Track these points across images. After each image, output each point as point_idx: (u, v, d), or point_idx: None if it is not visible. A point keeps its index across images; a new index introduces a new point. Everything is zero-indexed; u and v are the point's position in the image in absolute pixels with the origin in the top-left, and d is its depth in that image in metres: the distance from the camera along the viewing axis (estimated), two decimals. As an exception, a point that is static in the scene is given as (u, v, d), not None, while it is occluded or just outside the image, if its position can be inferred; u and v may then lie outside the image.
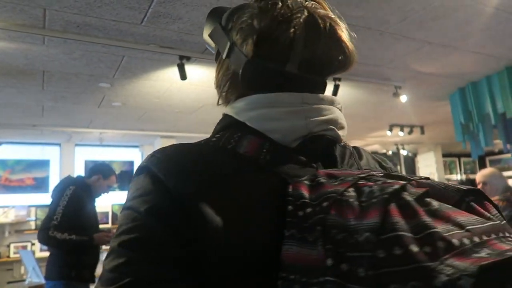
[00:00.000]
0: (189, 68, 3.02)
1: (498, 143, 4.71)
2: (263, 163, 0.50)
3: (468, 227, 0.36)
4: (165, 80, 3.52)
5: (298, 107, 0.54)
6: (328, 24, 0.56)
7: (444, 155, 9.02)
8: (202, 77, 3.49)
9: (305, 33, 0.55)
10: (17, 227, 5.68)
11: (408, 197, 0.38)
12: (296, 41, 0.55)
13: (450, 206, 0.38)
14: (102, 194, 3.13)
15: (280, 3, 0.56)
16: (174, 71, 3.14)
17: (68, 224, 2.71)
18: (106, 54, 2.86)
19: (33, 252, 5.20)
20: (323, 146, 0.55)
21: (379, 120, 5.74)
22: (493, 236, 0.36)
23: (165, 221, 0.44)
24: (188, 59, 2.91)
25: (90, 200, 2.98)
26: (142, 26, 2.47)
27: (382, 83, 3.88)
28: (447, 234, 0.34)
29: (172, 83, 3.59)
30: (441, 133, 6.99)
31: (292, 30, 0.54)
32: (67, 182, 2.93)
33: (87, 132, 5.42)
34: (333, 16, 0.58)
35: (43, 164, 6.10)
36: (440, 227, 0.35)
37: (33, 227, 5.68)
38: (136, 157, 6.82)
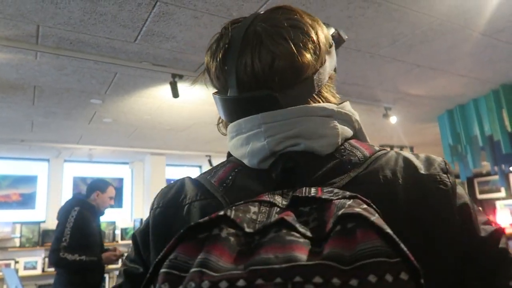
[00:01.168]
0: (181, 86, 3.03)
1: (486, 165, 4.77)
2: (220, 190, 0.56)
3: (250, 268, 0.35)
4: (157, 98, 3.53)
5: (256, 129, 0.55)
6: (258, 38, 0.56)
7: (433, 176, 9.08)
8: (194, 96, 3.50)
9: (231, 57, 0.56)
10: (1, 244, 5.54)
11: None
12: (225, 68, 0.57)
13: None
14: (107, 209, 3.25)
15: (217, 35, 0.60)
16: (166, 89, 3.15)
17: (77, 244, 2.77)
18: (99, 70, 2.86)
19: (17, 271, 5.07)
20: (284, 164, 0.54)
21: (370, 140, 5.78)
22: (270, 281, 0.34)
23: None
24: (180, 77, 2.92)
25: (94, 219, 3.08)
26: (135, 44, 2.49)
27: (373, 104, 3.94)
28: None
29: (164, 101, 3.59)
30: (430, 154, 7.05)
31: (217, 58, 0.58)
32: (72, 204, 3.05)
33: (77, 148, 5.36)
34: (270, 27, 0.56)
35: (30, 180, 6.00)
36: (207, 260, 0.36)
37: (17, 244, 5.54)
38: (125, 174, 6.75)
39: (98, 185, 3.20)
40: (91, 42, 2.44)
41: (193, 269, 0.36)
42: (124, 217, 6.39)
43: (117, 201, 6.52)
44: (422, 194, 0.51)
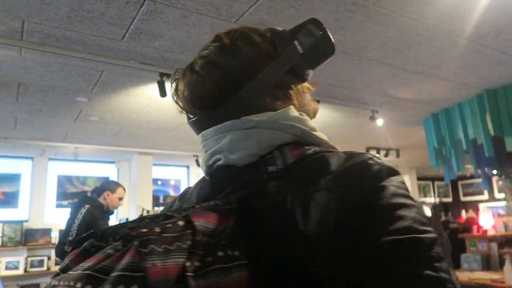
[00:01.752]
0: (169, 86, 3.00)
1: (470, 168, 4.85)
2: (184, 201, 0.65)
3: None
4: (144, 97, 3.50)
5: (202, 145, 0.65)
6: (193, 67, 0.65)
7: (418, 178, 9.21)
8: (178, 97, 3.48)
9: (178, 83, 0.69)
10: (-19, 244, 5.43)
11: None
12: (177, 91, 0.69)
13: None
14: (116, 209, 3.43)
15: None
16: (154, 87, 3.13)
17: None
18: (85, 68, 2.83)
19: (-2, 270, 4.98)
20: (210, 175, 0.64)
21: (357, 143, 5.84)
22: None
23: None
24: (168, 76, 2.91)
25: (102, 217, 3.24)
26: (123, 42, 2.46)
27: (360, 107, 3.97)
28: None
29: (152, 100, 3.57)
30: (416, 156, 7.16)
31: (173, 84, 0.70)
32: (84, 201, 3.27)
33: (62, 146, 5.29)
34: (207, 55, 0.64)
35: (14, 178, 5.90)
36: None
37: (-1, 243, 5.44)
38: (111, 173, 6.69)
39: (109, 186, 3.42)
40: (77, 39, 2.41)
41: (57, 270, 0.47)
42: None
43: (103, 200, 6.45)
44: (322, 202, 0.51)
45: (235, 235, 0.48)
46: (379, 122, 4.18)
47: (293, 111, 0.62)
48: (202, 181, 0.67)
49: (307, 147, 0.58)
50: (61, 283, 0.41)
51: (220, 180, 0.61)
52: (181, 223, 0.45)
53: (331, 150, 0.59)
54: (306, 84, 0.70)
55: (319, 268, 0.47)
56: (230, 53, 0.63)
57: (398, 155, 6.42)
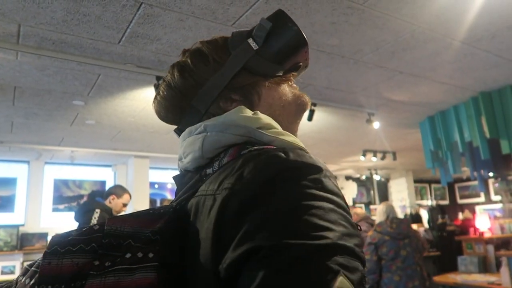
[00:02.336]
0: (165, 89, 3.01)
1: (466, 171, 4.87)
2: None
3: None
4: (141, 100, 3.50)
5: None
6: (159, 88, 0.72)
7: (415, 181, 9.24)
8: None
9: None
10: (-23, 248, 5.39)
11: None
12: None
13: None
14: (119, 214, 3.41)
15: None
16: (150, 91, 3.13)
17: None
18: (81, 72, 2.83)
19: (-7, 275, 4.94)
20: (176, 180, 0.67)
21: (353, 145, 5.86)
22: None
23: None
24: (165, 79, 2.91)
25: None
26: (119, 46, 2.47)
27: (356, 110, 3.99)
28: None
29: (148, 103, 3.57)
30: (412, 159, 7.18)
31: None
32: (94, 205, 3.28)
33: (58, 150, 5.27)
34: (166, 77, 0.71)
35: (10, 182, 5.87)
36: None
37: (-6, 248, 5.40)
38: (108, 176, 6.67)
39: (116, 190, 3.48)
40: (74, 43, 2.41)
41: None
42: (106, 220, 6.30)
43: (99, 204, 6.43)
44: (217, 206, 0.50)
45: (159, 237, 0.50)
46: (376, 125, 4.19)
47: (241, 111, 0.60)
48: None
49: (248, 147, 0.56)
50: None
51: (178, 184, 0.65)
52: (96, 227, 0.52)
53: (269, 148, 0.54)
54: (276, 80, 0.68)
55: (211, 275, 0.46)
56: (179, 71, 0.68)
57: (394, 158, 6.44)
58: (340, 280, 0.39)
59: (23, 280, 0.51)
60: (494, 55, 2.90)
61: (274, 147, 0.54)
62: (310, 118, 3.64)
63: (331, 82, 3.27)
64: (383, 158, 6.31)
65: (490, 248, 4.63)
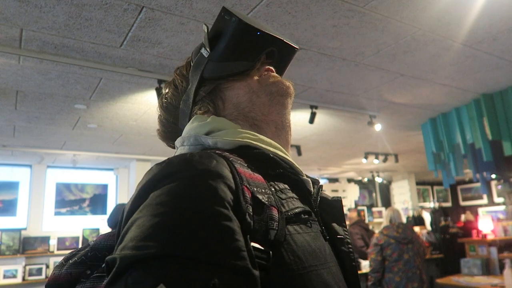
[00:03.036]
0: (167, 92, 3.01)
1: (469, 173, 4.86)
2: None
3: None
4: (142, 104, 3.51)
5: None
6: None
7: (417, 183, 9.22)
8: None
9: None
10: (-21, 252, 5.40)
11: None
12: None
13: None
14: None
15: None
16: (152, 94, 3.14)
17: None
18: (83, 75, 2.84)
19: (-4, 279, 4.94)
20: None
21: (355, 148, 5.85)
22: None
23: None
24: (166, 83, 2.92)
25: None
26: (121, 50, 2.48)
27: (358, 112, 3.98)
28: None
29: (150, 107, 3.58)
30: (414, 161, 7.16)
31: None
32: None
33: (60, 153, 5.28)
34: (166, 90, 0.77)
35: (12, 186, 5.88)
36: None
37: (-3, 252, 5.41)
38: (110, 180, 6.68)
39: None
40: (76, 47, 2.42)
41: None
42: (108, 224, 6.30)
43: (101, 207, 6.43)
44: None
45: None
46: (377, 127, 4.19)
47: (193, 121, 0.67)
48: None
49: (186, 152, 0.60)
50: None
51: None
52: (91, 242, 0.61)
53: (188, 154, 0.53)
54: (235, 77, 0.67)
55: None
56: (163, 104, 0.77)
57: (396, 160, 6.42)
58: None
59: None
60: (496, 57, 2.90)
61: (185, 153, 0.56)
62: (311, 121, 3.65)
63: (332, 85, 3.27)
64: (385, 160, 6.30)
65: (493, 250, 4.61)
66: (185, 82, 0.72)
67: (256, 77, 0.68)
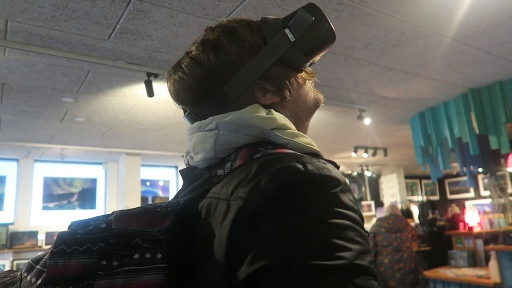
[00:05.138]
0: (156, 86, 2.99)
1: (456, 166, 4.92)
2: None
3: None
4: (131, 97, 3.47)
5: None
6: (180, 64, 0.66)
7: (406, 177, 9.32)
8: (170, 95, 3.46)
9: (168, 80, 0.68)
10: (-35, 248, 5.33)
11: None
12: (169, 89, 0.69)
13: None
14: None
15: None
16: (141, 87, 3.11)
17: None
18: (71, 68, 2.79)
19: (-18, 275, 4.87)
20: (183, 174, 0.65)
21: (344, 142, 5.88)
22: None
23: None
24: (156, 76, 2.89)
25: None
26: (109, 42, 2.44)
27: (347, 106, 4.00)
28: None
29: (139, 100, 3.54)
30: (403, 155, 7.23)
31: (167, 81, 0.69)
32: None
33: (48, 147, 5.21)
34: (191, 51, 0.65)
35: (-2, 180, 5.80)
36: None
37: (-17, 247, 5.34)
38: (99, 174, 6.62)
39: None
40: (62, 39, 2.37)
41: None
42: (97, 218, 6.25)
43: (90, 202, 6.38)
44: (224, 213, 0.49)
45: (166, 237, 0.48)
46: (367, 121, 4.21)
47: (256, 111, 0.59)
48: None
49: (260, 149, 0.55)
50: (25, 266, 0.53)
51: (185, 179, 0.64)
52: (102, 225, 0.50)
53: (283, 152, 0.53)
54: (302, 75, 0.66)
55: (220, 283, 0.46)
56: (212, 48, 0.62)
57: (385, 154, 6.48)
58: None
59: (28, 278, 0.50)
60: (483, 51, 2.93)
61: (290, 153, 0.52)
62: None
63: (322, 79, 3.28)
64: (374, 154, 6.35)
65: (480, 242, 4.69)
66: (255, 44, 0.62)
67: (310, 82, 0.70)
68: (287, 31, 0.63)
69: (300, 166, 0.47)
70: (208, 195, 0.54)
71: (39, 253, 0.53)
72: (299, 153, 0.53)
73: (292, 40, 0.63)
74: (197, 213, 0.53)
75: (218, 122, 0.59)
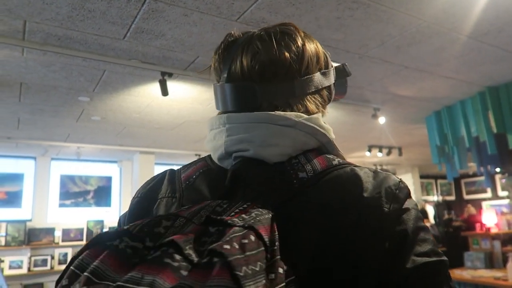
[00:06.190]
0: (171, 85, 3.02)
1: (473, 166, 4.84)
2: (181, 188, 0.62)
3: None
4: (146, 96, 3.51)
5: (222, 127, 0.61)
6: (251, 39, 0.64)
7: (421, 177, 9.20)
8: (184, 94, 3.49)
9: (228, 54, 0.64)
10: (-15, 243, 5.46)
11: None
12: (222, 63, 0.65)
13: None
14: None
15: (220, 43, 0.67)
16: (155, 87, 3.14)
17: None
18: (87, 68, 2.84)
19: (2, 270, 5.00)
20: (233, 165, 0.59)
21: (359, 141, 5.84)
22: None
23: None
24: (170, 75, 2.91)
25: None
26: (124, 41, 2.47)
27: (361, 105, 3.97)
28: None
29: (153, 99, 3.58)
30: (418, 154, 7.14)
31: (218, 53, 0.66)
32: None
33: (64, 146, 5.31)
34: (263, 31, 0.64)
35: (17, 178, 5.92)
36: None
37: (3, 243, 5.46)
38: (114, 172, 6.70)
39: None
40: (79, 39, 2.41)
41: (84, 273, 0.40)
42: (112, 216, 6.35)
43: (105, 199, 6.47)
44: (357, 218, 0.52)
45: (280, 247, 0.45)
46: (381, 120, 4.17)
47: (322, 119, 0.64)
48: (204, 167, 0.64)
49: (330, 157, 0.60)
50: None
51: (244, 174, 0.57)
52: (253, 238, 0.42)
53: (354, 164, 0.60)
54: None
55: (354, 285, 0.50)
56: (307, 40, 0.66)
57: (400, 154, 6.41)
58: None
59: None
60: (501, 49, 2.87)
61: (351, 163, 0.60)
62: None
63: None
64: (388, 153, 6.29)
65: (497, 243, 4.61)
66: (324, 64, 0.69)
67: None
68: (340, 67, 0.75)
69: (403, 182, 0.59)
70: (303, 199, 0.53)
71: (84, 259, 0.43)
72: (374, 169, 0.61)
73: (333, 80, 0.72)
74: (294, 221, 0.52)
75: (297, 121, 0.59)
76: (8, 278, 5.17)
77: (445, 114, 4.25)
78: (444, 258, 0.53)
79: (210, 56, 0.70)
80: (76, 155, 5.64)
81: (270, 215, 0.47)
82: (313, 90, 0.65)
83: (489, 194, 8.93)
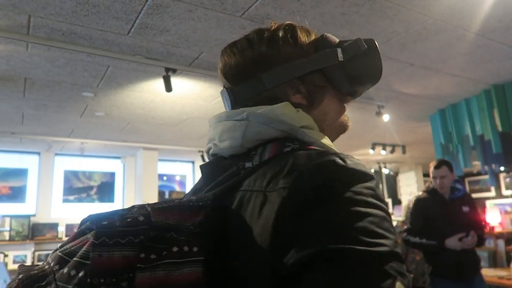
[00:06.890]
0: (175, 81, 3.01)
1: (477, 164, 4.81)
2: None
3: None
4: (150, 92, 3.51)
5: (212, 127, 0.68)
6: (236, 43, 0.69)
7: (424, 175, 9.16)
8: (188, 90, 3.49)
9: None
10: (-11, 238, 5.49)
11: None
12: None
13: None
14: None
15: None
16: (159, 82, 3.13)
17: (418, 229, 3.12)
18: (91, 63, 2.84)
19: (6, 264, 5.03)
20: (208, 163, 0.66)
21: (362, 138, 5.82)
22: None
23: None
24: (174, 71, 2.91)
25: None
26: (128, 37, 2.47)
27: (366, 102, 3.95)
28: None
29: (157, 95, 3.57)
30: (422, 153, 7.11)
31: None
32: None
33: (68, 141, 5.32)
34: (249, 35, 0.68)
35: (21, 173, 5.95)
36: None
37: (7, 237, 5.49)
38: (117, 168, 6.72)
39: None
40: (83, 34, 2.41)
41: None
42: (116, 211, 6.36)
43: (109, 195, 6.49)
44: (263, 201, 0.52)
45: (200, 231, 0.50)
46: (385, 117, 4.15)
47: (287, 107, 0.62)
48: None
49: (289, 144, 0.58)
50: (48, 259, 0.50)
51: (210, 170, 0.64)
52: (141, 218, 0.49)
53: (312, 148, 0.56)
54: (340, 96, 0.71)
55: (262, 275, 0.47)
56: (267, 38, 0.66)
57: (404, 151, 6.38)
58: (398, 285, 0.42)
59: (65, 270, 0.47)
60: (508, 46, 2.84)
61: (323, 150, 0.56)
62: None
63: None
64: (392, 151, 6.26)
65: (501, 242, 4.59)
66: (306, 49, 0.67)
67: (343, 107, 0.74)
68: (339, 50, 0.68)
69: (340, 161, 0.50)
70: (241, 188, 0.55)
71: (65, 246, 0.50)
72: (332, 150, 0.56)
73: (340, 59, 0.67)
74: (226, 207, 0.54)
75: (250, 113, 0.61)
76: (13, 272, 5.20)
77: (449, 112, 4.22)
78: (368, 248, 0.45)
79: (214, 52, 0.74)
80: (79, 150, 5.66)
81: (200, 203, 0.52)
82: (290, 78, 0.65)
83: (493, 193, 8.88)
